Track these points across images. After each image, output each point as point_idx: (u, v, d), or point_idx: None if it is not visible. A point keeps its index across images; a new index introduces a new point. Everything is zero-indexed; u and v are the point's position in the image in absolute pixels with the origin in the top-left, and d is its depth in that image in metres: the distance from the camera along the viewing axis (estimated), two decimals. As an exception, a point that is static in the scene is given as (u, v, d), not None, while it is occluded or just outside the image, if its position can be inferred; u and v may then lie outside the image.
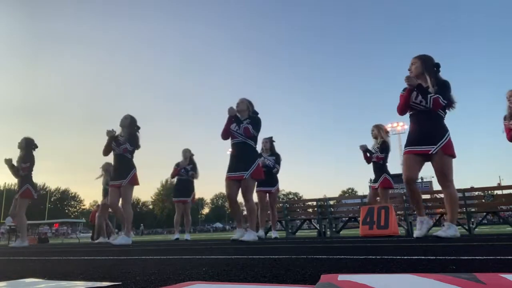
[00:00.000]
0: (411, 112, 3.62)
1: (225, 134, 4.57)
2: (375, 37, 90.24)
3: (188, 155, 7.29)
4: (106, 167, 7.43)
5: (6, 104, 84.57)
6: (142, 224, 58.27)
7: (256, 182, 4.62)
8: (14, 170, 6.00)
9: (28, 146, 6.18)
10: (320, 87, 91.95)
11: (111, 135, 5.22)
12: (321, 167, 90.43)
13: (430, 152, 3.42)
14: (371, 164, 5.73)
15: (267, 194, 6.28)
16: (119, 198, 5.25)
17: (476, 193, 9.55)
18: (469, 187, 7.16)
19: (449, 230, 3.39)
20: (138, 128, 5.43)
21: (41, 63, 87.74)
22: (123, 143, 5.19)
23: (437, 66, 3.55)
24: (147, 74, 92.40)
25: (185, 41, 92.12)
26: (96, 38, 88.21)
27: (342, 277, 1.04)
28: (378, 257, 1.81)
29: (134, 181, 5.22)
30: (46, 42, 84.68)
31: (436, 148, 3.40)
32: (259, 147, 6.24)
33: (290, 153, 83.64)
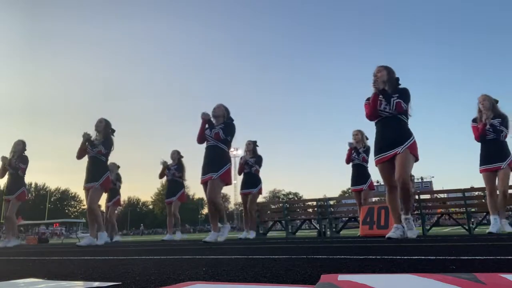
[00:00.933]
0: (376, 120, 3.73)
1: (200, 138, 4.66)
2: (374, 37, 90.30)
3: (175, 157, 7.39)
4: (111, 167, 7.38)
5: (6, 104, 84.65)
6: (142, 224, 58.32)
7: (223, 185, 4.61)
8: (15, 168, 6.00)
9: (23, 149, 6.24)
10: (320, 86, 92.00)
11: (86, 137, 5.24)
12: (321, 167, 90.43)
13: (398, 153, 3.51)
14: (354, 166, 5.77)
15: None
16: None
17: (476, 193, 9.58)
18: (469, 187, 7.16)
19: (412, 226, 3.62)
20: (113, 131, 5.47)
21: (41, 63, 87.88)
22: (97, 146, 5.23)
23: (398, 79, 3.74)
24: (148, 74, 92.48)
25: (185, 41, 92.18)
26: (96, 38, 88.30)
27: (342, 277, 1.04)
28: (378, 257, 1.81)
29: (106, 185, 5.30)
30: (46, 42, 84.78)
31: (403, 147, 3.52)
32: (242, 149, 6.40)
33: (290, 152, 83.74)
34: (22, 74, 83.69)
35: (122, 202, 8.34)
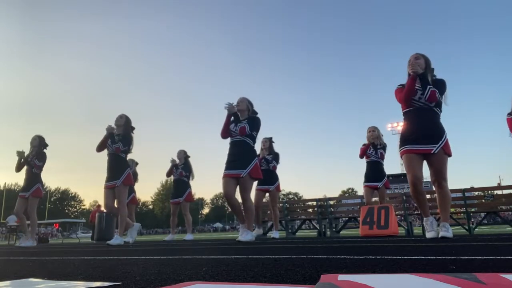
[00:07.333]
0: (407, 109, 3.53)
1: (225, 132, 4.50)
2: (375, 37, 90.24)
3: (182, 156, 7.35)
4: (129, 164, 7.29)
5: (6, 104, 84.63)
6: (142, 224, 58.39)
7: (253, 182, 4.54)
8: (29, 164, 5.98)
9: (41, 145, 6.19)
10: (321, 86, 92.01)
11: (110, 131, 5.15)
12: (321, 167, 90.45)
13: (432, 152, 3.36)
14: (370, 162, 5.72)
15: (266, 193, 6.26)
16: (114, 199, 5.24)
17: (476, 193, 9.58)
18: (469, 187, 7.16)
19: (449, 229, 3.41)
20: (133, 128, 5.38)
21: (41, 63, 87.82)
22: (117, 142, 5.13)
23: (433, 70, 3.59)
24: (148, 73, 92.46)
25: (186, 40, 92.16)
26: (96, 37, 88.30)
27: (342, 277, 1.04)
28: (378, 257, 1.81)
29: (128, 181, 5.21)
30: (46, 42, 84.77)
31: (438, 147, 3.36)
32: (258, 147, 6.30)
33: (290, 153, 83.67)
34: (21, 74, 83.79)
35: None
